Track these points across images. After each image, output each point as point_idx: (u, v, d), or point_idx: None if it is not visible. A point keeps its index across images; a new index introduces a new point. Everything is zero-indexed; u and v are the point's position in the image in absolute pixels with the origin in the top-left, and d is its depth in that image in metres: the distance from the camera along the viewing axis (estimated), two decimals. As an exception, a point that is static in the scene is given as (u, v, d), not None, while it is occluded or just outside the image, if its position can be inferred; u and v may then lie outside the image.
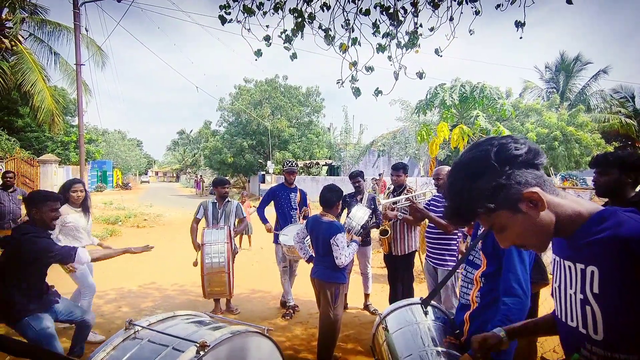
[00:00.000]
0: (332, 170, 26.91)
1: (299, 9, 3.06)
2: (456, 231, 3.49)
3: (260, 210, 4.90)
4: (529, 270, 1.74)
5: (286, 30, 3.17)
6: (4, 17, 13.98)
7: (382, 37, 3.26)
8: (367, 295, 4.81)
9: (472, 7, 3.15)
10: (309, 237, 3.54)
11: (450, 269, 3.33)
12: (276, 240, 4.68)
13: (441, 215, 3.47)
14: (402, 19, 3.17)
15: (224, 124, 28.50)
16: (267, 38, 3.18)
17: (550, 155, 14.45)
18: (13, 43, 13.60)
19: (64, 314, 2.90)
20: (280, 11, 3.11)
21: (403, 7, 3.16)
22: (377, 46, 3.26)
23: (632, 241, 0.82)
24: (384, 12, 3.15)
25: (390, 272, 4.35)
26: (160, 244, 9.42)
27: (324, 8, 3.13)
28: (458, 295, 2.60)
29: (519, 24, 3.23)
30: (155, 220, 14.04)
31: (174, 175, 65.95)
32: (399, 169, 4.21)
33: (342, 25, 3.12)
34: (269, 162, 23.91)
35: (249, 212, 8.59)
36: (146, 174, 62.79)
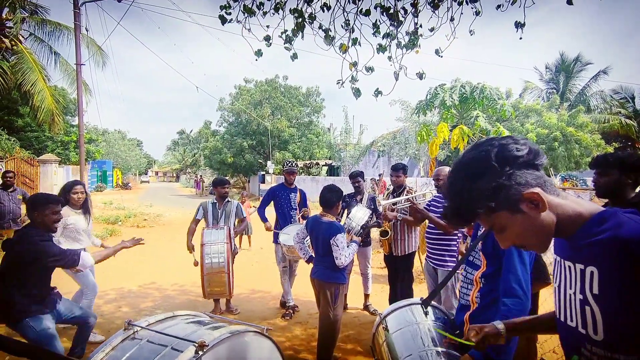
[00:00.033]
0: (332, 171, 26.91)
1: (300, 9, 3.06)
2: (456, 232, 3.49)
3: (261, 210, 4.91)
4: (529, 271, 1.74)
5: (287, 30, 3.17)
6: (4, 16, 13.98)
7: (383, 38, 3.26)
8: (366, 296, 4.81)
9: (472, 8, 3.15)
10: (308, 237, 3.54)
11: (450, 269, 3.33)
12: (276, 240, 4.68)
13: (441, 216, 3.47)
14: (403, 19, 3.17)
15: (224, 124, 28.50)
16: (267, 38, 3.17)
17: (550, 156, 14.45)
18: (13, 43, 13.61)
19: (65, 315, 2.90)
20: (280, 11, 3.10)
21: (403, 8, 3.16)
22: (378, 46, 3.26)
23: (632, 242, 0.82)
24: (384, 13, 3.15)
25: (390, 272, 4.35)
26: (160, 244, 9.43)
27: (324, 8, 3.13)
28: (458, 296, 2.60)
29: (519, 25, 3.23)
30: (155, 220, 14.05)
31: (174, 175, 65.96)
32: (399, 170, 4.22)
33: (342, 25, 3.12)
34: (269, 162, 23.91)
35: (249, 212, 8.59)
36: (146, 174, 62.82)
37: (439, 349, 1.80)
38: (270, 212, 4.85)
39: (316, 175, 25.59)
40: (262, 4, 3.09)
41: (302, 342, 3.87)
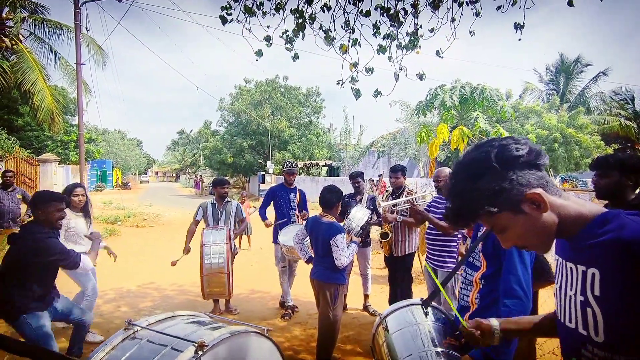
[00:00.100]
0: (332, 171, 26.92)
1: (300, 9, 3.06)
2: (456, 233, 3.50)
3: (262, 211, 4.90)
4: (529, 271, 1.73)
5: (287, 30, 3.17)
6: (4, 16, 13.99)
7: (383, 38, 3.26)
8: (366, 296, 4.81)
9: (473, 9, 3.15)
10: (308, 237, 3.54)
11: (450, 270, 3.34)
12: (275, 240, 4.68)
13: (441, 217, 3.47)
14: (403, 20, 3.18)
15: (224, 124, 28.51)
16: (267, 38, 3.18)
17: (550, 157, 14.46)
18: (13, 42, 13.61)
19: (62, 313, 2.90)
20: (281, 11, 3.11)
21: (403, 9, 3.16)
22: (378, 47, 3.26)
23: (634, 244, 0.82)
24: (384, 14, 3.15)
25: (390, 273, 4.35)
26: (159, 243, 9.43)
27: (325, 9, 3.13)
28: (457, 297, 2.60)
29: (518, 26, 3.23)
30: (154, 220, 14.04)
31: (174, 175, 65.97)
32: (398, 171, 4.22)
33: (342, 26, 3.12)
34: (268, 163, 23.93)
35: (249, 212, 8.59)
36: (146, 174, 62.86)
37: (439, 350, 1.80)
38: (270, 212, 4.86)
39: (316, 175, 25.60)
40: (262, 4, 3.09)
41: (301, 343, 3.87)
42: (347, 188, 4.56)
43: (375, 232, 5.99)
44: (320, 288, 3.32)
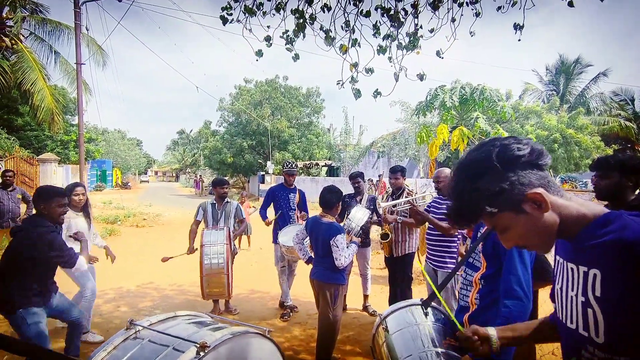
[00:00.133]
0: (332, 171, 26.91)
1: (300, 9, 3.06)
2: (456, 233, 3.50)
3: (263, 211, 4.90)
4: (530, 271, 1.73)
5: (288, 31, 3.17)
6: (4, 15, 13.98)
7: (383, 39, 3.26)
8: (366, 297, 4.81)
9: (473, 9, 3.15)
10: (308, 238, 3.54)
11: (450, 271, 3.34)
12: (275, 240, 4.68)
13: (442, 217, 3.47)
14: (403, 20, 3.18)
15: (224, 124, 28.50)
16: (267, 38, 3.17)
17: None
18: (13, 42, 13.61)
19: (57, 309, 2.88)
20: (281, 11, 3.10)
21: (404, 9, 3.16)
22: (378, 47, 3.26)
23: (636, 244, 0.82)
24: (384, 14, 3.15)
25: (390, 274, 4.35)
26: (159, 243, 9.43)
27: (325, 9, 3.13)
28: (457, 298, 2.60)
29: (518, 27, 3.24)
30: (154, 219, 14.03)
31: (174, 175, 65.96)
32: (397, 172, 4.22)
33: (342, 26, 3.12)
34: (268, 163, 23.93)
35: (249, 212, 8.59)
36: (146, 174, 62.86)
37: (439, 350, 1.80)
38: (270, 212, 4.86)
39: (316, 175, 25.59)
40: (262, 4, 3.09)
41: (301, 343, 3.87)
42: (347, 188, 4.56)
43: (375, 233, 5.99)
44: (320, 288, 3.32)
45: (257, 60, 3.47)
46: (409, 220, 3.99)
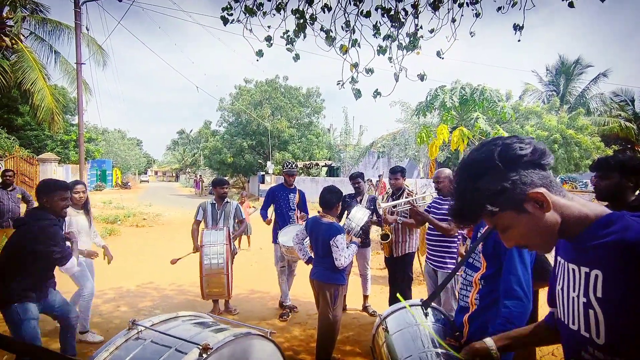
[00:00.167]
0: (332, 171, 26.90)
1: (301, 9, 3.06)
2: (456, 234, 3.50)
3: (263, 212, 4.91)
4: (530, 272, 1.73)
5: (288, 31, 3.17)
6: (5, 15, 13.99)
7: (383, 39, 3.26)
8: (366, 297, 4.81)
9: (473, 10, 3.15)
10: (308, 238, 3.54)
11: (450, 271, 3.33)
12: (275, 240, 4.68)
13: (442, 218, 3.47)
14: (403, 20, 3.18)
15: (224, 124, 28.50)
16: (268, 39, 3.17)
17: (550, 158, 14.45)
18: (14, 41, 13.62)
19: (52, 305, 2.86)
20: (282, 11, 3.10)
21: (404, 9, 3.16)
22: (378, 48, 3.26)
23: (638, 245, 0.81)
24: (384, 14, 3.16)
25: (390, 274, 4.35)
26: (159, 243, 9.43)
27: (325, 9, 3.13)
28: (457, 298, 2.60)
29: (518, 27, 3.24)
30: (154, 219, 14.03)
31: (174, 174, 65.94)
32: (397, 173, 4.22)
33: (342, 26, 3.12)
34: (268, 163, 23.92)
35: (249, 212, 8.58)
36: (145, 174, 62.85)
37: (439, 350, 1.80)
38: (270, 212, 4.86)
39: (316, 176, 25.59)
40: (262, 4, 3.09)
41: (301, 343, 3.87)
42: (347, 188, 4.56)
43: (375, 233, 5.99)
44: (320, 288, 3.31)
45: (257, 60, 3.47)
46: (409, 220, 3.99)
